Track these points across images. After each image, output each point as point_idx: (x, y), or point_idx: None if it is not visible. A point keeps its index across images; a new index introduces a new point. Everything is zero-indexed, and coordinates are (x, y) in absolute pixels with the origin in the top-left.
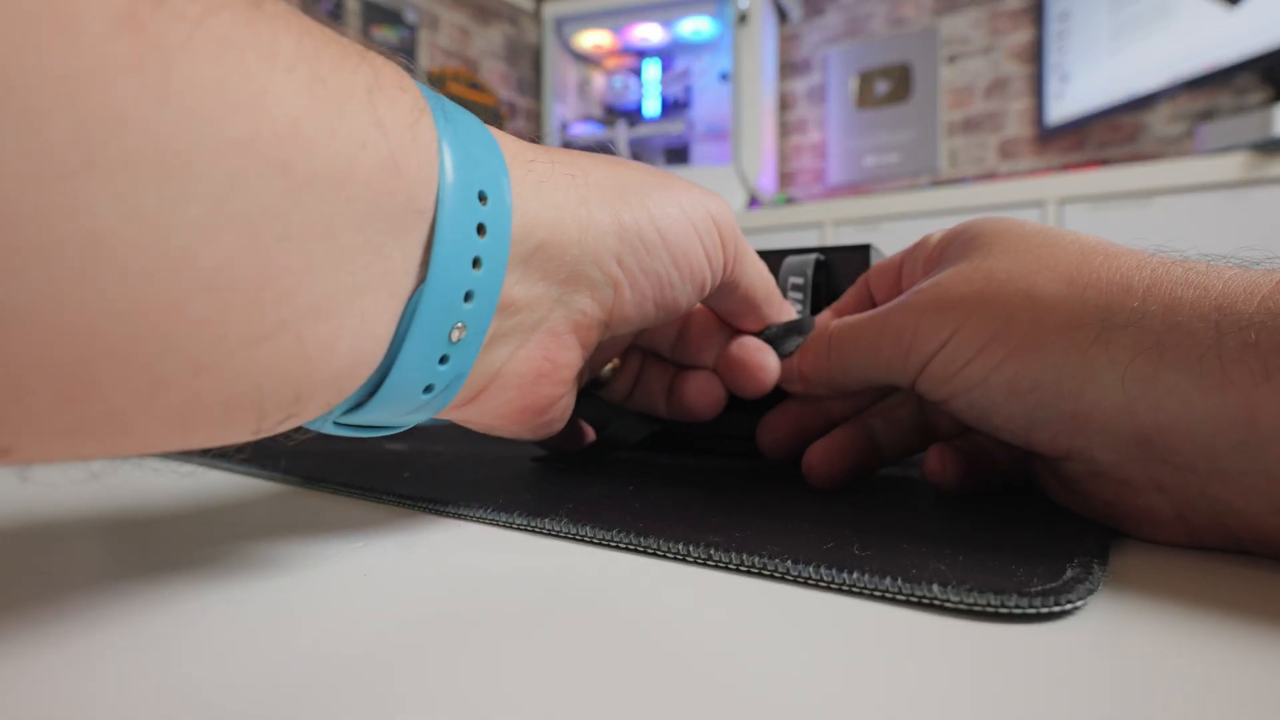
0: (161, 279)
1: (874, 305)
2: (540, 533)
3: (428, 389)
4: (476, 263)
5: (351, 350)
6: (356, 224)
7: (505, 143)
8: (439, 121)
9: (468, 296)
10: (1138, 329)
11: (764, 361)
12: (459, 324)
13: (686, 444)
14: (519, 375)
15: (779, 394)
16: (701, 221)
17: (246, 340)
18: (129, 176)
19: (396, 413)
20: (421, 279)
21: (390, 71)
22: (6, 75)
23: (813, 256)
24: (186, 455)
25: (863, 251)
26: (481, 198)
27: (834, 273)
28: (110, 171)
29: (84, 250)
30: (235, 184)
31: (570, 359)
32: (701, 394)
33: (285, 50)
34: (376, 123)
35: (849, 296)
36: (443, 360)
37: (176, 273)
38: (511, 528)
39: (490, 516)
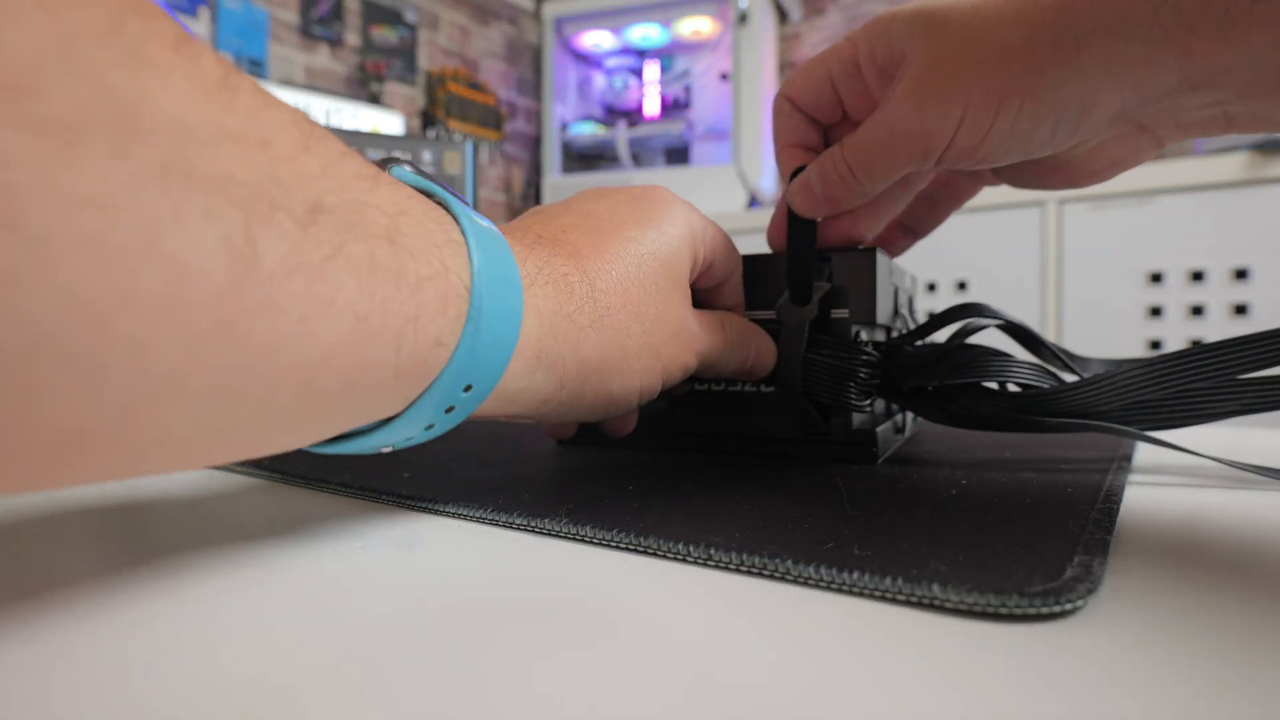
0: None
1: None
2: (540, 533)
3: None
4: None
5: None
6: (338, 413)
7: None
8: (467, 330)
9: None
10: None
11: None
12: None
13: (691, 438)
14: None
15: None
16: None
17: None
18: (201, 401)
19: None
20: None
21: (435, 295)
22: (137, 338)
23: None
24: None
25: (869, 255)
26: (466, 388)
27: (834, 274)
28: (190, 396)
29: (159, 444)
30: (273, 392)
31: None
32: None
33: (342, 298)
34: (396, 349)
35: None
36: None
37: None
38: (511, 528)
39: (490, 516)
